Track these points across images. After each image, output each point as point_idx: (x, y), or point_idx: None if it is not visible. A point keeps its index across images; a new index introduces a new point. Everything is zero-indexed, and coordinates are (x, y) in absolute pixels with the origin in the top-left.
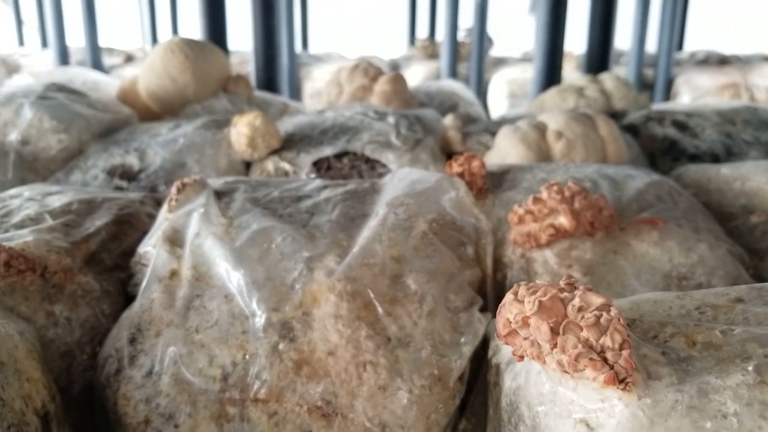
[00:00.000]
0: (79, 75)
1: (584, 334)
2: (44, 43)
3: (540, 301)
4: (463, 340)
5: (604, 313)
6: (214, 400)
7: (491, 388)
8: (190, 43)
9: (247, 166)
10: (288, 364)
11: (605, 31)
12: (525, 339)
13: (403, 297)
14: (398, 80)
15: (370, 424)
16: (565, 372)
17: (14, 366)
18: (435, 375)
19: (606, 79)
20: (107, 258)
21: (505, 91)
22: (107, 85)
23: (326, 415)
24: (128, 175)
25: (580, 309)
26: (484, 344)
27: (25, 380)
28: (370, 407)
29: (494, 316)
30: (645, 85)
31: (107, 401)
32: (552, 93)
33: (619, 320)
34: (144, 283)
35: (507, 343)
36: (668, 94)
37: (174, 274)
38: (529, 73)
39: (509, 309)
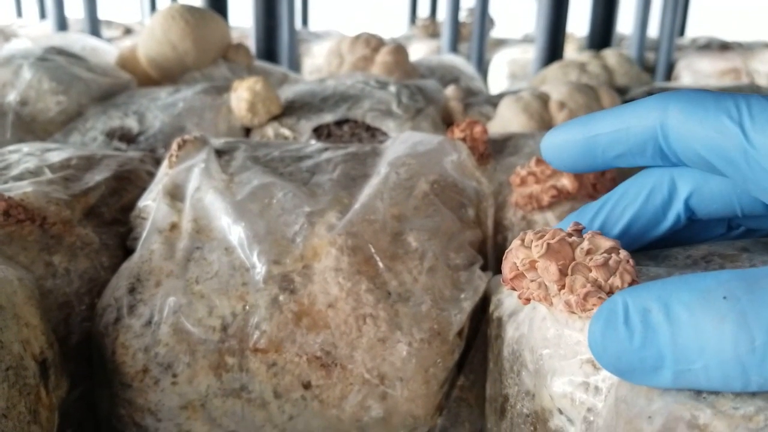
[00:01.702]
0: (78, 40)
1: (593, 274)
2: (42, 15)
3: (548, 244)
4: (463, 296)
5: (613, 255)
6: (213, 350)
7: (492, 341)
8: (190, 10)
9: (247, 132)
10: (288, 315)
11: (608, 11)
12: (532, 281)
13: (404, 253)
14: (400, 51)
15: (369, 375)
16: (573, 312)
17: (13, 310)
18: (434, 329)
19: (608, 55)
20: (106, 212)
21: (506, 71)
22: (106, 51)
23: (325, 365)
24: (127, 137)
25: (588, 252)
26: (484, 304)
27: (23, 325)
28: (369, 358)
29: (495, 274)
30: (646, 69)
31: (105, 350)
32: (554, 68)
33: (628, 261)
34: (144, 235)
35: (513, 288)
36: (669, 77)
37: (174, 226)
38: (530, 54)
39: (516, 254)
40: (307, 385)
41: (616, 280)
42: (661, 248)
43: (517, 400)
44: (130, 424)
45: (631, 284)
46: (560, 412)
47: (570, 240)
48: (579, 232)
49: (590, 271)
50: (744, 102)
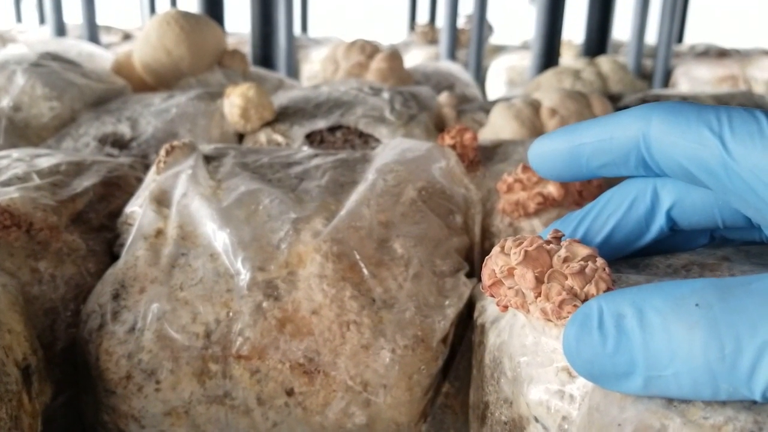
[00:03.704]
0: (74, 46)
1: (569, 282)
2: (42, 20)
3: (526, 251)
4: (447, 302)
5: (590, 263)
6: (196, 357)
7: (475, 348)
8: (186, 16)
9: (240, 138)
10: (271, 322)
11: (604, 17)
12: (509, 289)
13: (389, 260)
14: (395, 58)
15: (352, 382)
16: (549, 320)
17: None
18: (418, 336)
19: (603, 62)
20: (94, 218)
21: (504, 78)
22: (102, 57)
23: (308, 372)
24: (120, 143)
25: (565, 259)
26: (470, 310)
27: (5, 331)
28: (352, 365)
29: (480, 280)
30: (644, 76)
31: (89, 356)
32: (548, 75)
33: (604, 270)
34: (129, 241)
35: (491, 295)
36: (667, 84)
37: (160, 233)
38: (528, 61)
39: (495, 261)
40: (290, 392)
41: (591, 288)
42: (643, 256)
43: (496, 407)
44: (114, 430)
45: (606, 292)
46: (536, 420)
47: (548, 247)
48: (558, 239)
49: (566, 278)
50: (725, 114)
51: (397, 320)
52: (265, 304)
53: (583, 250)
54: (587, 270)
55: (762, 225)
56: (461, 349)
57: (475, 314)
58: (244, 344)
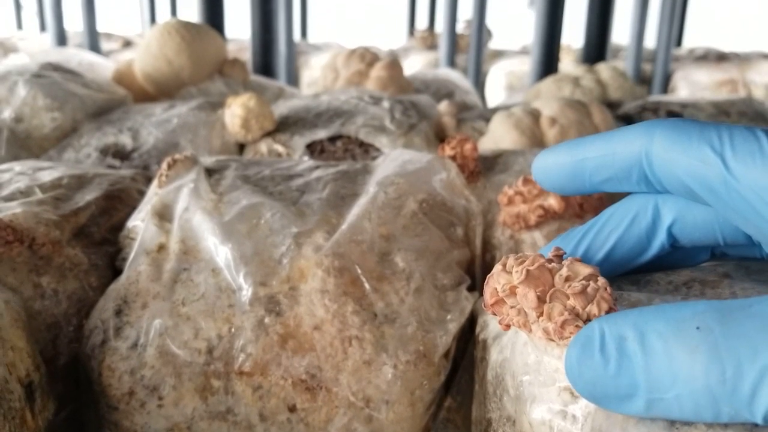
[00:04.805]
0: (75, 56)
1: (571, 302)
2: (42, 27)
3: (528, 270)
4: (449, 317)
5: (591, 282)
6: (198, 373)
7: (478, 363)
8: (186, 26)
9: (241, 148)
10: (273, 337)
11: (603, 23)
12: (512, 308)
13: (391, 274)
14: (394, 66)
15: (354, 398)
16: (551, 340)
17: None
18: (420, 351)
19: (602, 69)
20: (96, 232)
21: (503, 82)
22: (103, 66)
23: (310, 388)
24: (121, 154)
25: (567, 278)
26: (472, 324)
27: (9, 348)
28: (354, 381)
29: (482, 294)
30: (643, 80)
31: (92, 372)
32: (548, 82)
33: (606, 289)
34: (131, 256)
35: (493, 313)
36: (666, 89)
37: (162, 247)
38: (527, 66)
39: (497, 279)
40: (292, 408)
41: (593, 308)
42: (644, 273)
43: (499, 425)
44: None
45: (608, 312)
46: None
47: (549, 266)
48: (560, 258)
49: (568, 298)
50: (727, 132)
51: (399, 335)
52: (267, 320)
53: (584, 270)
54: (589, 290)
55: (762, 242)
56: (463, 363)
57: (477, 329)
58: (246, 360)
